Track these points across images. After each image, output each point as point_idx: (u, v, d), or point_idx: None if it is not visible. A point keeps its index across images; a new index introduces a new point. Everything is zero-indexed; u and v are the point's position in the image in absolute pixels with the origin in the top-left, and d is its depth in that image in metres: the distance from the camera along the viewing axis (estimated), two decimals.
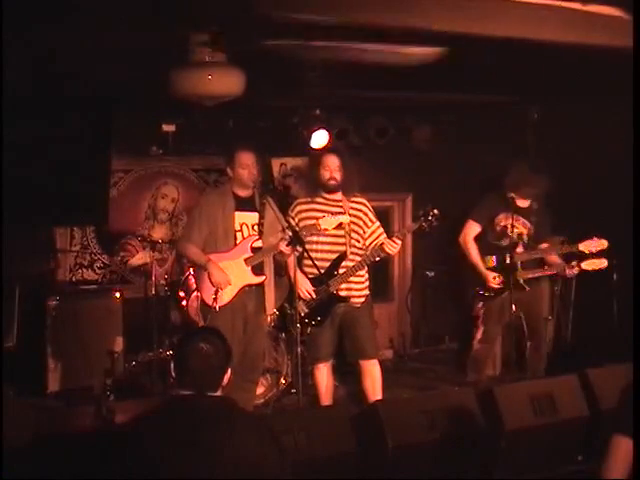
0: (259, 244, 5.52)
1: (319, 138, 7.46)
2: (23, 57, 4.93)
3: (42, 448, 4.29)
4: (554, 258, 6.41)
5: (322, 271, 5.56)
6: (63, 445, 4.35)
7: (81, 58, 5.21)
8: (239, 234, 5.50)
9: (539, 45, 4.96)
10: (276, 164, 7.99)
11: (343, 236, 5.67)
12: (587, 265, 6.23)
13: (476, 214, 6.50)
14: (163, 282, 7.03)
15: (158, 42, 4.84)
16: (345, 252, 5.67)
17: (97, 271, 7.47)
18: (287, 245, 5.36)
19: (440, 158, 8.26)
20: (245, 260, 5.46)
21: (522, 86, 6.80)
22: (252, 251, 5.49)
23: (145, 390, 6.66)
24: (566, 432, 5.16)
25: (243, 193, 5.54)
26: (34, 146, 6.44)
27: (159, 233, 7.57)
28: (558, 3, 4.61)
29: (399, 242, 5.58)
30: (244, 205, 5.54)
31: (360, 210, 5.78)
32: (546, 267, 6.44)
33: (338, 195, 5.74)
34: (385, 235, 5.76)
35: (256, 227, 5.53)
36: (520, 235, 6.38)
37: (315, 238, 5.60)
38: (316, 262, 5.51)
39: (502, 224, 6.39)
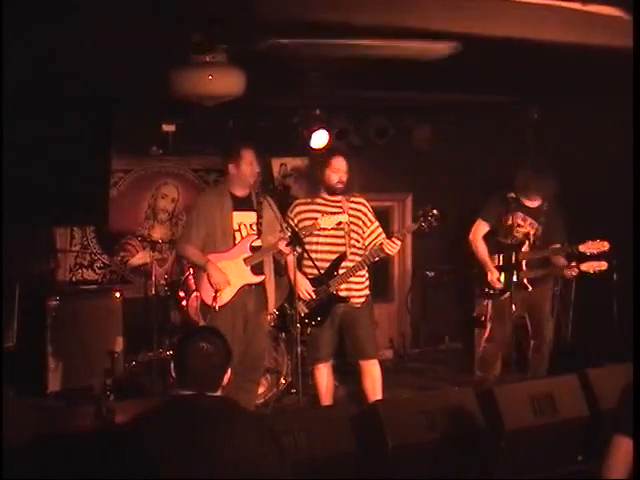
0: (258, 243, 5.52)
1: (319, 138, 7.46)
2: (23, 57, 4.93)
3: (42, 448, 4.29)
4: (559, 259, 6.39)
5: (322, 271, 5.57)
6: (63, 445, 4.35)
7: (81, 58, 5.21)
8: (237, 234, 5.50)
9: (539, 45, 4.96)
10: (276, 164, 7.99)
11: (343, 236, 5.67)
12: (586, 267, 6.21)
13: (485, 213, 6.51)
14: (163, 282, 7.03)
15: (158, 42, 4.84)
16: (345, 252, 5.67)
17: (97, 271, 7.48)
18: (287, 245, 5.36)
19: (440, 158, 8.27)
20: (244, 260, 5.46)
21: (522, 86, 6.80)
22: (251, 250, 5.49)
23: (145, 390, 6.67)
24: (566, 432, 5.15)
25: (240, 193, 5.54)
26: (34, 146, 6.44)
27: (159, 233, 7.58)
28: (558, 3, 4.60)
29: (399, 242, 5.58)
30: (242, 205, 5.54)
31: (359, 210, 5.78)
32: (551, 268, 6.43)
33: (338, 196, 5.74)
34: (384, 235, 5.76)
35: (254, 226, 5.53)
36: (527, 235, 6.37)
37: (315, 239, 5.60)
38: (316, 262, 5.52)
39: (509, 223, 6.39)
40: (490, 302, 6.49)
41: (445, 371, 7.81)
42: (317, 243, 5.64)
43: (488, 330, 6.51)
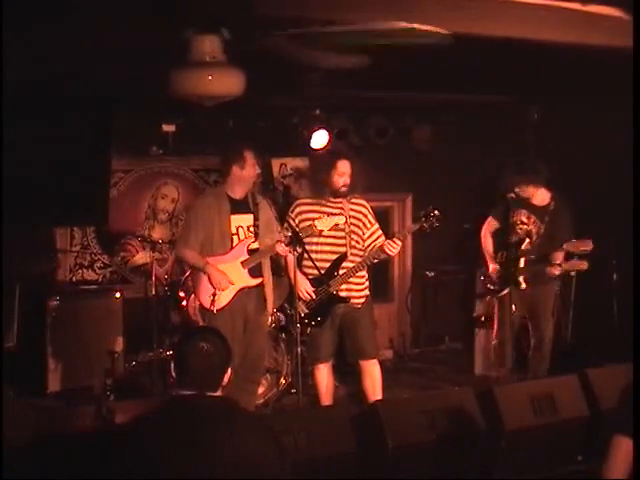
0: (255, 246, 5.51)
1: (319, 138, 7.46)
2: (23, 57, 4.93)
3: (42, 448, 4.29)
4: (559, 257, 6.39)
5: (322, 272, 5.57)
6: (63, 445, 4.35)
7: (81, 58, 5.21)
8: (235, 237, 5.49)
9: (539, 45, 4.96)
10: (276, 164, 7.98)
11: (343, 237, 5.66)
12: (568, 266, 6.22)
13: (495, 210, 6.60)
14: (163, 282, 7.03)
15: (158, 42, 4.84)
16: (345, 253, 5.67)
17: (97, 271, 7.48)
18: (286, 245, 5.36)
19: (440, 158, 8.27)
20: (242, 263, 5.46)
21: (522, 86, 6.80)
22: (248, 253, 5.48)
23: (145, 390, 6.67)
24: (566, 432, 5.16)
25: (238, 195, 5.53)
26: (34, 146, 6.44)
27: (159, 233, 7.58)
28: (558, 3, 4.60)
29: (400, 243, 5.58)
30: (239, 207, 5.53)
31: (360, 212, 5.78)
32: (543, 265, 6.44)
33: (340, 197, 5.73)
34: (384, 237, 5.76)
35: (252, 229, 5.53)
36: (529, 232, 6.40)
37: (315, 239, 5.59)
38: (316, 263, 5.52)
39: (512, 220, 6.43)
40: (496, 301, 6.51)
41: (445, 371, 7.81)
42: (317, 243, 5.63)
43: (495, 326, 6.54)
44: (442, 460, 4.71)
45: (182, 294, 6.63)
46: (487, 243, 6.58)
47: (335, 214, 5.62)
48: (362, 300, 5.76)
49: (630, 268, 6.14)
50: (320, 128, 7.45)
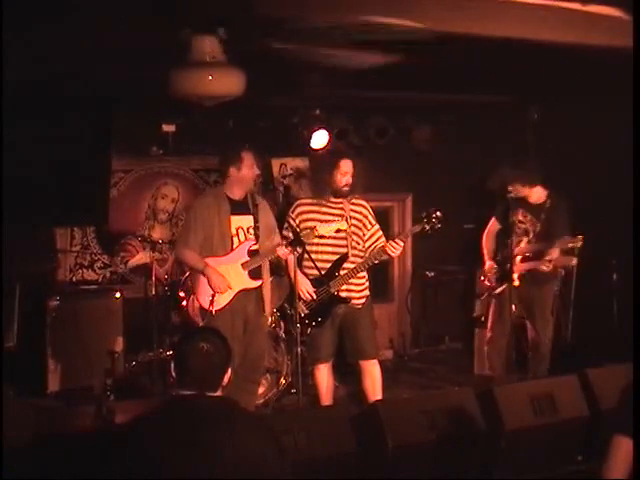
0: (256, 248, 5.50)
1: (319, 138, 7.46)
2: (23, 57, 4.93)
3: (42, 448, 4.29)
4: (555, 254, 6.39)
5: (323, 272, 5.57)
6: (63, 445, 4.35)
7: (81, 58, 5.21)
8: (235, 238, 5.48)
9: (539, 45, 4.96)
10: (276, 164, 7.98)
11: (345, 238, 5.66)
12: (556, 262, 6.27)
13: (497, 212, 6.62)
14: (163, 282, 7.03)
15: (158, 42, 4.84)
16: (346, 254, 5.67)
17: (97, 271, 7.48)
18: (287, 246, 5.35)
19: (440, 158, 8.27)
20: (242, 264, 5.44)
21: (522, 86, 6.81)
22: (249, 255, 5.47)
23: (145, 390, 6.67)
24: (566, 432, 5.15)
25: (237, 195, 5.52)
26: (34, 146, 6.44)
27: (159, 233, 7.58)
28: (558, 3, 4.60)
29: (401, 244, 5.58)
30: (239, 208, 5.52)
31: (360, 212, 5.77)
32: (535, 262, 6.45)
33: (341, 198, 5.73)
34: (384, 239, 5.76)
35: (252, 230, 5.51)
36: (526, 231, 6.42)
37: (316, 239, 5.58)
38: (317, 263, 5.52)
39: (512, 220, 6.45)
40: (492, 299, 6.53)
41: (445, 371, 7.81)
42: (318, 244, 5.63)
43: (490, 323, 6.55)
44: (442, 460, 4.71)
45: (182, 294, 6.62)
46: (487, 245, 6.61)
47: (336, 215, 5.61)
48: (362, 300, 5.76)
49: (630, 268, 6.14)
50: (320, 128, 7.45)
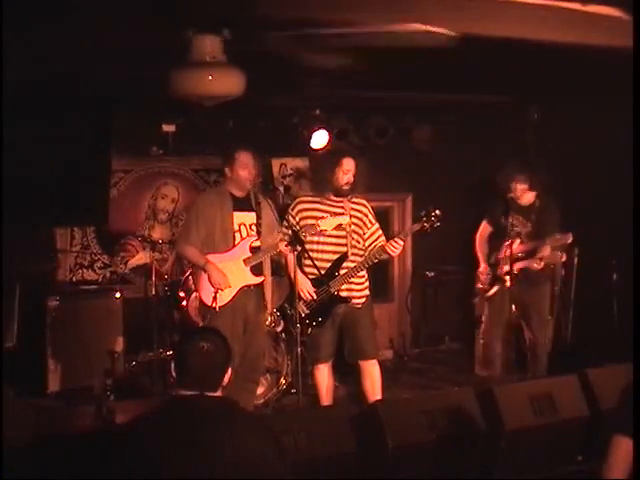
0: (257, 244, 5.51)
1: (319, 138, 7.46)
2: (23, 57, 4.93)
3: (42, 448, 4.29)
4: (546, 252, 6.40)
5: (322, 272, 5.56)
6: (63, 445, 4.36)
7: (81, 58, 5.21)
8: (237, 234, 5.49)
9: (538, 45, 4.96)
10: (276, 164, 7.98)
11: (344, 237, 5.66)
12: (547, 259, 6.29)
13: (488, 214, 6.65)
14: (163, 282, 7.03)
15: (158, 42, 4.84)
16: (346, 253, 5.67)
17: (97, 271, 7.48)
18: (287, 245, 5.36)
19: (440, 158, 8.27)
20: (244, 260, 5.46)
21: (522, 86, 6.81)
22: (251, 251, 5.48)
23: (145, 390, 6.67)
24: (566, 432, 5.15)
25: (239, 193, 5.53)
26: (34, 146, 6.44)
27: (159, 233, 7.58)
28: (558, 3, 4.60)
29: (401, 243, 5.58)
30: (241, 205, 5.53)
31: (360, 211, 5.77)
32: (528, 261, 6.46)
33: (342, 196, 5.73)
34: (384, 238, 5.76)
35: (254, 227, 5.53)
36: (518, 233, 6.43)
37: (316, 239, 5.59)
38: (317, 263, 5.51)
39: (505, 223, 6.45)
40: (486, 301, 6.53)
41: (445, 371, 7.81)
42: (319, 243, 5.63)
43: (484, 326, 6.55)
44: (442, 460, 4.71)
45: (182, 294, 6.63)
46: (479, 248, 6.65)
47: (337, 213, 5.62)
48: (362, 300, 5.75)
49: (630, 268, 6.14)
50: (320, 128, 7.45)
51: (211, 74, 5.02)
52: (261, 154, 5.77)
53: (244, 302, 5.49)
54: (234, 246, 5.47)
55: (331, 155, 6.05)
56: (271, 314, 5.90)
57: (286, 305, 5.87)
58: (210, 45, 4.94)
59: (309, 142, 7.47)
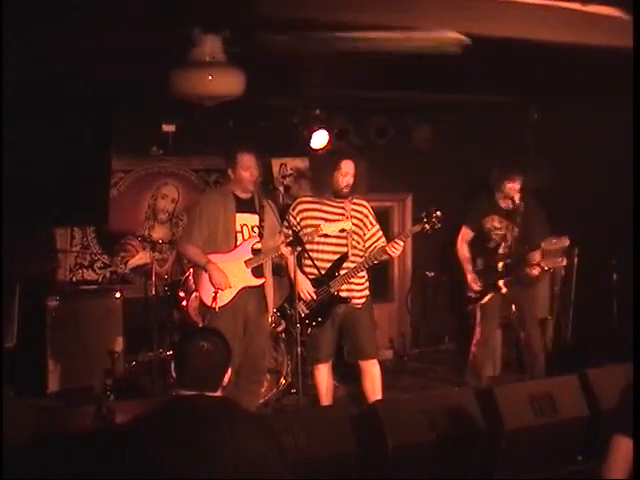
0: (259, 246, 5.51)
1: (319, 138, 7.46)
2: (23, 57, 4.93)
3: (42, 448, 4.30)
4: (536, 257, 6.36)
5: (323, 272, 5.56)
6: (63, 445, 4.36)
7: (81, 58, 5.21)
8: (239, 235, 5.49)
9: (539, 45, 4.96)
10: (276, 164, 7.98)
11: (345, 237, 5.66)
12: (547, 264, 6.23)
13: (468, 219, 6.56)
14: (163, 282, 7.03)
15: (158, 42, 4.84)
16: (347, 253, 5.67)
17: (97, 271, 7.48)
18: (287, 245, 5.36)
19: (440, 158, 8.26)
20: (245, 262, 5.45)
21: (522, 86, 6.80)
22: (252, 253, 5.48)
23: (145, 390, 6.67)
24: (566, 432, 5.16)
25: (243, 195, 5.53)
26: (34, 146, 6.44)
27: (159, 233, 7.58)
28: (558, 3, 4.60)
29: (402, 244, 5.58)
30: (244, 206, 5.53)
31: (361, 212, 5.77)
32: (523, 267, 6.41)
33: (342, 198, 5.72)
34: (384, 239, 5.76)
35: (256, 229, 5.53)
36: (504, 237, 6.39)
37: (317, 239, 5.59)
38: (318, 263, 5.51)
39: (487, 227, 6.43)
40: (477, 307, 6.47)
41: (445, 371, 7.80)
42: (319, 243, 5.63)
43: (477, 334, 6.49)
44: (442, 460, 4.71)
45: (182, 294, 6.62)
46: (463, 254, 6.52)
47: (337, 214, 5.62)
48: (362, 300, 5.76)
49: (630, 268, 6.15)
50: (320, 128, 7.45)
51: (211, 74, 5.02)
52: (261, 154, 5.77)
53: (244, 303, 5.48)
54: (236, 247, 5.47)
55: (330, 157, 6.05)
56: (271, 315, 5.89)
57: (286, 305, 5.87)
58: (210, 45, 4.94)
59: (309, 142, 7.47)
